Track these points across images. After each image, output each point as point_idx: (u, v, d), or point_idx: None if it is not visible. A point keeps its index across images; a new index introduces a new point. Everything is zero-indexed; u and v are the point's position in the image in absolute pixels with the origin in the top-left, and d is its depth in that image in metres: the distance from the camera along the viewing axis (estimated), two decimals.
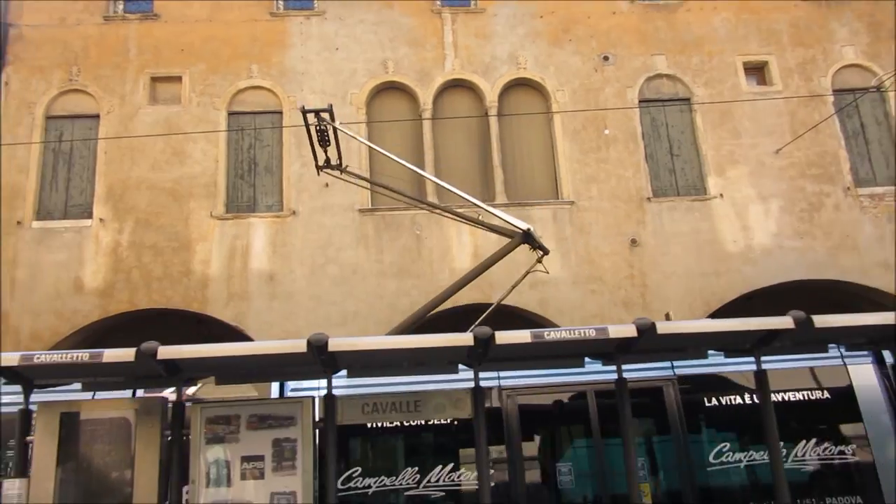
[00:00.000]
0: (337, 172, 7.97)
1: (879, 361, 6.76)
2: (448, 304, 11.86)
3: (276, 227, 12.13)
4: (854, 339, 6.26)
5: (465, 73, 13.17)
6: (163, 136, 12.29)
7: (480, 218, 8.15)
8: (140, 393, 6.11)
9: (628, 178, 12.68)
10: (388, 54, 13.18)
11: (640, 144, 12.87)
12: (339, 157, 8.04)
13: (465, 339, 5.06)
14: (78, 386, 5.93)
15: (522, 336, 5.09)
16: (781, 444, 6.04)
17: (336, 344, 4.88)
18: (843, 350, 6.72)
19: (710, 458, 6.45)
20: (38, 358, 4.89)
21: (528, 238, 7.50)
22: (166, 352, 4.87)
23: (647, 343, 5.36)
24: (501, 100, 13.12)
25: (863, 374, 6.75)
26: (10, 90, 12.60)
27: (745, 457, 6.46)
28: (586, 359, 6.01)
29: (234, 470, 5.33)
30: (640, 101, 13.10)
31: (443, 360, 5.76)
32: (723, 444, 6.50)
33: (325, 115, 7.69)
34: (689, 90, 13.19)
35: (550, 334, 5.10)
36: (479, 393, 5.60)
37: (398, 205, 12.36)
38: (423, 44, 13.28)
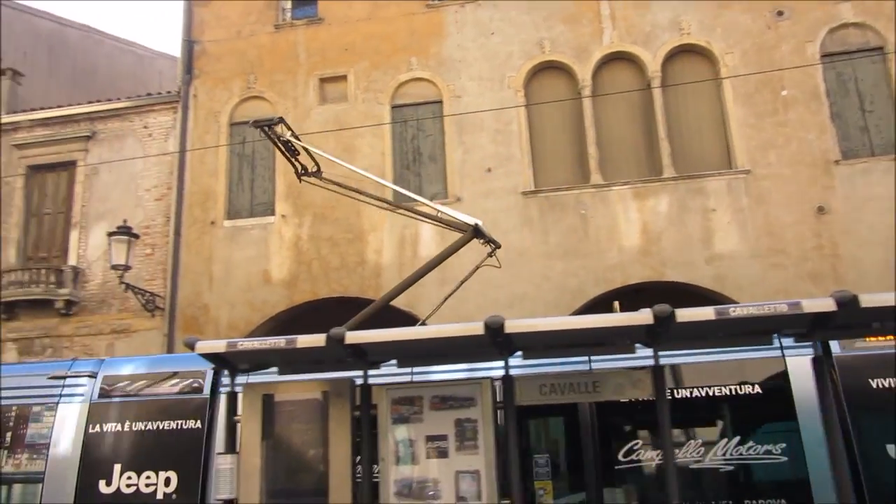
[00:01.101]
0: (316, 179, 7.91)
1: (826, 353, 5.76)
2: (617, 284, 11.67)
3: None
4: None
5: (624, 45, 12.73)
6: (333, 132, 12.91)
7: (439, 214, 7.77)
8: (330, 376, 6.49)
9: (811, 140, 11.71)
10: (544, 34, 13.01)
11: (823, 103, 11.84)
12: (316, 163, 7.96)
13: (643, 317, 4.90)
14: (275, 370, 6.39)
15: (705, 313, 4.84)
16: (700, 441, 5.93)
17: (512, 325, 4.90)
18: (783, 340, 5.98)
19: (620, 457, 6.14)
20: (242, 345, 5.33)
21: (477, 232, 7.52)
22: (353, 337, 5.12)
23: (848, 318, 4.92)
24: (664, 69, 12.55)
25: (801, 367, 5.94)
26: (198, 102, 13.79)
27: (656, 455, 6.04)
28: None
29: (419, 449, 5.52)
30: (822, 56, 12.02)
31: (620, 340, 5.62)
32: (634, 442, 6.15)
33: (281, 128, 7.60)
34: (881, 38, 11.93)
35: (736, 311, 4.82)
36: (659, 372, 5.43)
37: (561, 185, 12.25)
38: (579, 19, 12.98)
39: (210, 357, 5.67)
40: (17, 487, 7.47)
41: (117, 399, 7.37)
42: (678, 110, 12.44)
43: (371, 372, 5.89)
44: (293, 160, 8.02)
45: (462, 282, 7.63)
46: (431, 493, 5.45)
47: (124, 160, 13.49)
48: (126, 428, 7.25)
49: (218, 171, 13.35)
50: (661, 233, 11.75)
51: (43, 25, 18.79)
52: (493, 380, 5.67)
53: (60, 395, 7.46)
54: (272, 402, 5.81)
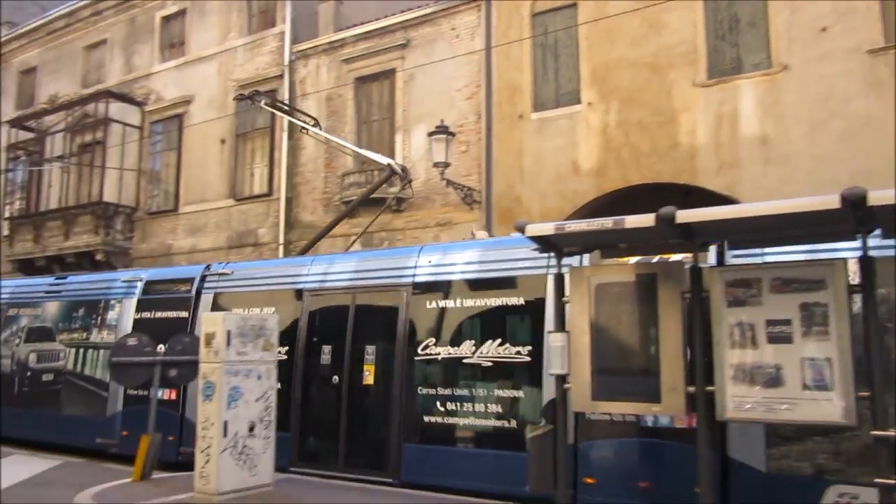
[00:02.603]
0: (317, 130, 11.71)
1: None
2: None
3: (765, 86, 11.18)
4: None
5: None
6: (639, 10, 12.16)
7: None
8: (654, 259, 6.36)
9: None
10: None
11: None
12: (310, 115, 11.36)
13: None
14: (597, 253, 6.42)
15: None
16: (472, 342, 7.90)
17: (878, 198, 4.26)
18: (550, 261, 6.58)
19: (419, 350, 8.31)
20: (569, 227, 5.40)
21: (392, 170, 11.86)
22: (684, 216, 4.89)
23: None
24: None
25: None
26: None
27: (443, 350, 8.15)
28: None
29: (758, 333, 5.19)
30: None
31: None
32: (429, 339, 8.25)
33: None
34: None
35: None
36: None
37: None
38: None
39: (538, 239, 5.84)
40: None
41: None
42: None
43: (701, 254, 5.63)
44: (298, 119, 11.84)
45: (382, 210, 11.31)
46: (771, 378, 5.13)
47: (436, 63, 14.19)
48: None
49: (522, 65, 13.45)
50: None
51: None
52: (846, 261, 5.07)
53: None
54: (601, 284, 5.85)
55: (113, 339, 11.32)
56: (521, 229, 5.66)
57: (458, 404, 7.94)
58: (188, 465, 9.39)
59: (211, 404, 7.65)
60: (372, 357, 8.86)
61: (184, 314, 10.89)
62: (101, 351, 11.63)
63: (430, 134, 13.20)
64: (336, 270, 9.57)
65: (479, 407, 7.78)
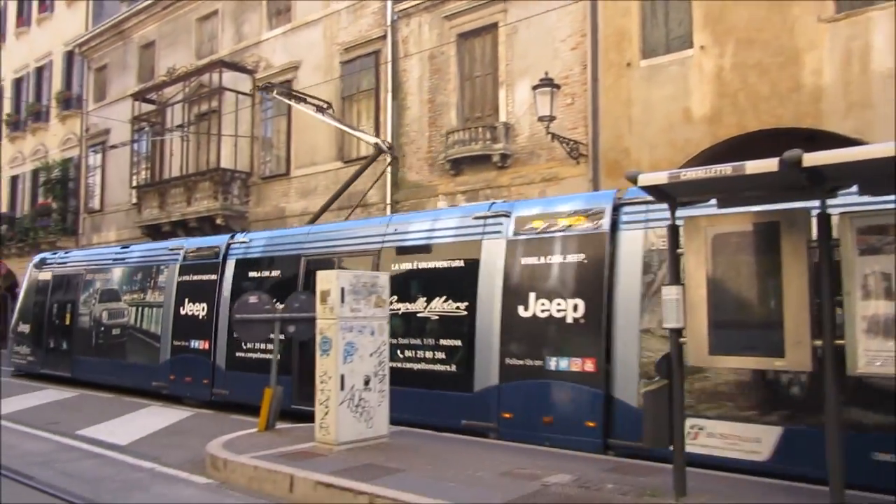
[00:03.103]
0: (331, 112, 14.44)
1: None
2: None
3: None
4: None
5: None
6: None
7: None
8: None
9: None
10: None
11: None
12: (322, 100, 14.55)
13: None
14: (713, 202, 6.13)
15: None
16: (425, 299, 9.55)
17: None
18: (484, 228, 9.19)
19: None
20: (684, 175, 5.18)
21: (380, 148, 13.53)
22: (813, 158, 4.59)
23: None
24: None
25: (490, 248, 9.11)
26: None
27: (402, 305, 9.78)
28: None
29: (894, 283, 4.84)
30: None
31: None
32: (392, 296, 8.94)
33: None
34: None
35: None
36: None
37: None
38: None
39: (650, 189, 5.65)
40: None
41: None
42: None
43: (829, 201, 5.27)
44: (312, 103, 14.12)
45: (372, 185, 13.11)
46: None
47: (539, 14, 13.84)
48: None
49: (630, 10, 12.91)
50: None
51: None
52: None
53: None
54: (717, 235, 5.61)
55: (163, 299, 14.00)
56: (633, 179, 5.48)
57: (413, 352, 9.66)
58: (220, 404, 12.53)
59: (328, 359, 7.95)
60: None
61: (213, 277, 13.04)
62: (155, 309, 14.15)
63: (535, 87, 12.96)
64: (323, 238, 11.53)
65: (429, 354, 9.48)
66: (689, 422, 6.47)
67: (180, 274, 13.76)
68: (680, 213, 5.86)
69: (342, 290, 7.96)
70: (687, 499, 5.59)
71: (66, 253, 19.02)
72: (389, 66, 16.62)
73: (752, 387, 6.77)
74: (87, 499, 6.60)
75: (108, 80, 26.42)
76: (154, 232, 21.09)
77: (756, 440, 6.68)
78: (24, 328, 18.37)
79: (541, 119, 12.83)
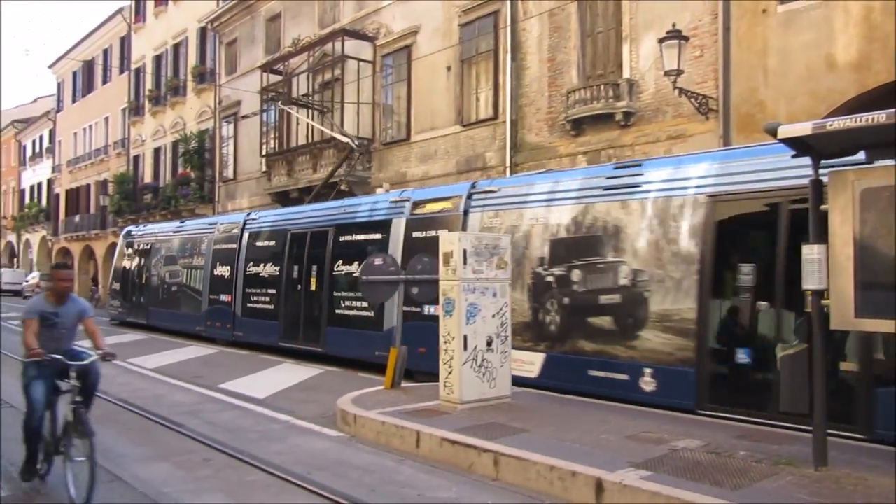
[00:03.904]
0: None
1: None
2: None
3: None
4: None
5: None
6: None
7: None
8: None
9: None
10: None
11: None
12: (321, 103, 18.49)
13: None
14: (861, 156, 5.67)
15: None
16: (357, 262, 12.57)
17: None
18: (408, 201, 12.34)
19: (334, 268, 13.62)
20: (831, 125, 4.80)
21: (350, 147, 17.77)
22: None
23: None
24: None
25: (396, 224, 12.33)
26: None
27: (344, 268, 13.38)
28: None
29: None
30: None
31: None
32: (338, 261, 13.49)
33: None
34: None
35: None
36: None
37: None
38: None
39: (792, 142, 5.29)
40: None
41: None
42: None
43: None
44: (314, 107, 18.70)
45: (338, 167, 16.02)
46: None
47: None
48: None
49: None
50: None
51: None
52: None
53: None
54: (864, 190, 5.18)
55: (203, 263, 18.30)
56: (773, 131, 5.15)
57: (351, 302, 13.02)
58: (242, 344, 16.23)
59: (451, 320, 8.07)
60: (314, 272, 14.21)
61: (234, 246, 17.16)
62: (199, 271, 18.50)
63: (661, 40, 12.36)
64: (301, 217, 15.36)
65: (358, 303, 12.76)
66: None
67: (214, 244, 18.03)
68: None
69: (464, 251, 8.03)
70: (829, 469, 5.30)
71: (144, 226, 24.01)
72: (508, 26, 16.38)
73: (528, 326, 9.79)
74: (230, 446, 7.07)
75: (238, 54, 27.61)
76: (283, 198, 22.03)
77: (532, 363, 9.52)
78: (116, 286, 23.55)
79: (667, 74, 12.26)
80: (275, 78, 23.79)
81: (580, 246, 9.42)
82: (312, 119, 21.26)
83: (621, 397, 8.33)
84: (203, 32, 30.10)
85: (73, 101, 44.92)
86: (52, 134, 48.54)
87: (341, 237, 13.59)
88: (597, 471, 5.39)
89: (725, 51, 12.41)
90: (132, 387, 10.81)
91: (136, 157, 35.97)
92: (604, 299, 9.02)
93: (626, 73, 14.09)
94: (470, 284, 8.06)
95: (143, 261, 21.69)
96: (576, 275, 9.35)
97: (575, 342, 9.17)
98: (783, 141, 5.29)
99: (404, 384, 9.73)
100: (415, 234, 11.88)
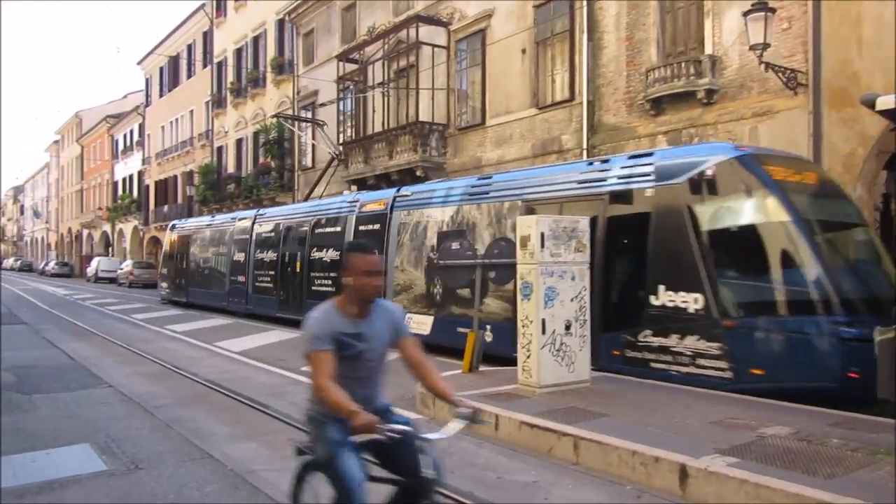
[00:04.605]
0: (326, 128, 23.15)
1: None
2: None
3: None
4: None
5: None
6: None
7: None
8: None
9: None
10: None
11: None
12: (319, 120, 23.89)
13: None
14: None
15: None
16: (325, 248, 17.00)
17: None
18: (357, 202, 16.09)
19: (311, 253, 17.54)
20: None
21: (333, 156, 23.17)
22: None
23: None
24: None
25: (349, 220, 16.00)
26: None
27: (318, 254, 17.35)
28: None
29: None
30: None
31: None
32: (314, 248, 17.38)
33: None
34: None
35: None
36: None
37: None
38: None
39: (890, 114, 5.00)
40: None
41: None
42: None
43: None
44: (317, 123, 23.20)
45: (322, 174, 20.05)
46: None
47: None
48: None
49: None
50: None
51: None
52: None
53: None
54: None
55: (227, 250, 22.56)
56: (870, 103, 4.88)
57: (323, 280, 16.76)
58: (256, 315, 20.01)
59: (529, 303, 8.02)
60: (297, 256, 18.16)
61: (247, 236, 21.22)
62: (224, 256, 22.68)
63: (746, 13, 11.84)
64: (294, 212, 19.69)
65: (328, 282, 16.34)
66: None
67: (234, 234, 22.23)
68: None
69: (542, 234, 7.95)
70: None
71: (185, 220, 29.14)
72: (585, 5, 16.05)
73: (423, 297, 12.95)
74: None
75: (315, 44, 28.09)
76: (360, 185, 22.33)
77: (425, 324, 12.51)
78: (164, 270, 28.33)
79: (752, 48, 11.75)
80: (351, 67, 24.09)
81: (453, 237, 12.45)
82: (388, 107, 21.43)
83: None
84: (281, 24, 30.74)
85: (161, 95, 46.78)
86: (141, 128, 50.75)
87: (316, 230, 17.59)
88: (681, 456, 5.27)
89: (816, 21, 11.81)
90: (220, 368, 11.21)
91: (220, 149, 37.17)
92: (464, 276, 11.81)
93: (708, 49, 13.60)
94: (548, 268, 7.99)
95: (183, 249, 26.13)
96: (449, 258, 12.21)
97: (450, 308, 12.35)
98: (881, 113, 5.01)
99: (484, 367, 9.75)
100: (361, 228, 15.46)
